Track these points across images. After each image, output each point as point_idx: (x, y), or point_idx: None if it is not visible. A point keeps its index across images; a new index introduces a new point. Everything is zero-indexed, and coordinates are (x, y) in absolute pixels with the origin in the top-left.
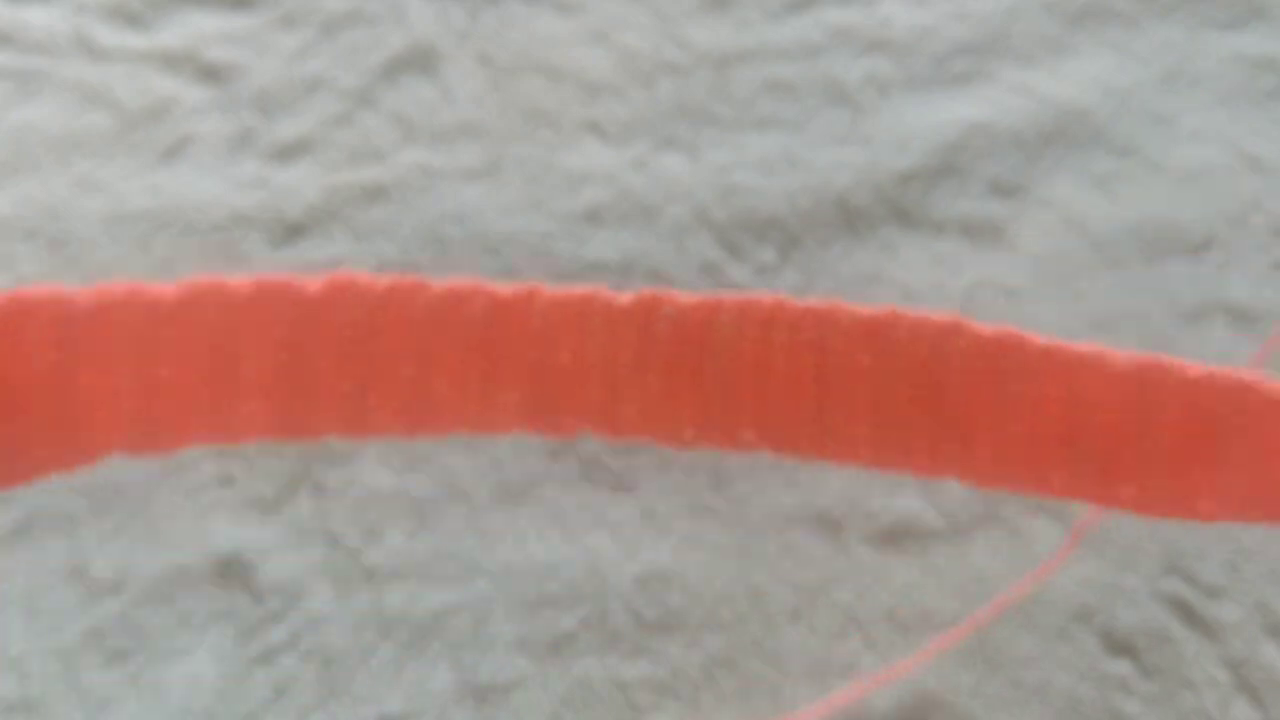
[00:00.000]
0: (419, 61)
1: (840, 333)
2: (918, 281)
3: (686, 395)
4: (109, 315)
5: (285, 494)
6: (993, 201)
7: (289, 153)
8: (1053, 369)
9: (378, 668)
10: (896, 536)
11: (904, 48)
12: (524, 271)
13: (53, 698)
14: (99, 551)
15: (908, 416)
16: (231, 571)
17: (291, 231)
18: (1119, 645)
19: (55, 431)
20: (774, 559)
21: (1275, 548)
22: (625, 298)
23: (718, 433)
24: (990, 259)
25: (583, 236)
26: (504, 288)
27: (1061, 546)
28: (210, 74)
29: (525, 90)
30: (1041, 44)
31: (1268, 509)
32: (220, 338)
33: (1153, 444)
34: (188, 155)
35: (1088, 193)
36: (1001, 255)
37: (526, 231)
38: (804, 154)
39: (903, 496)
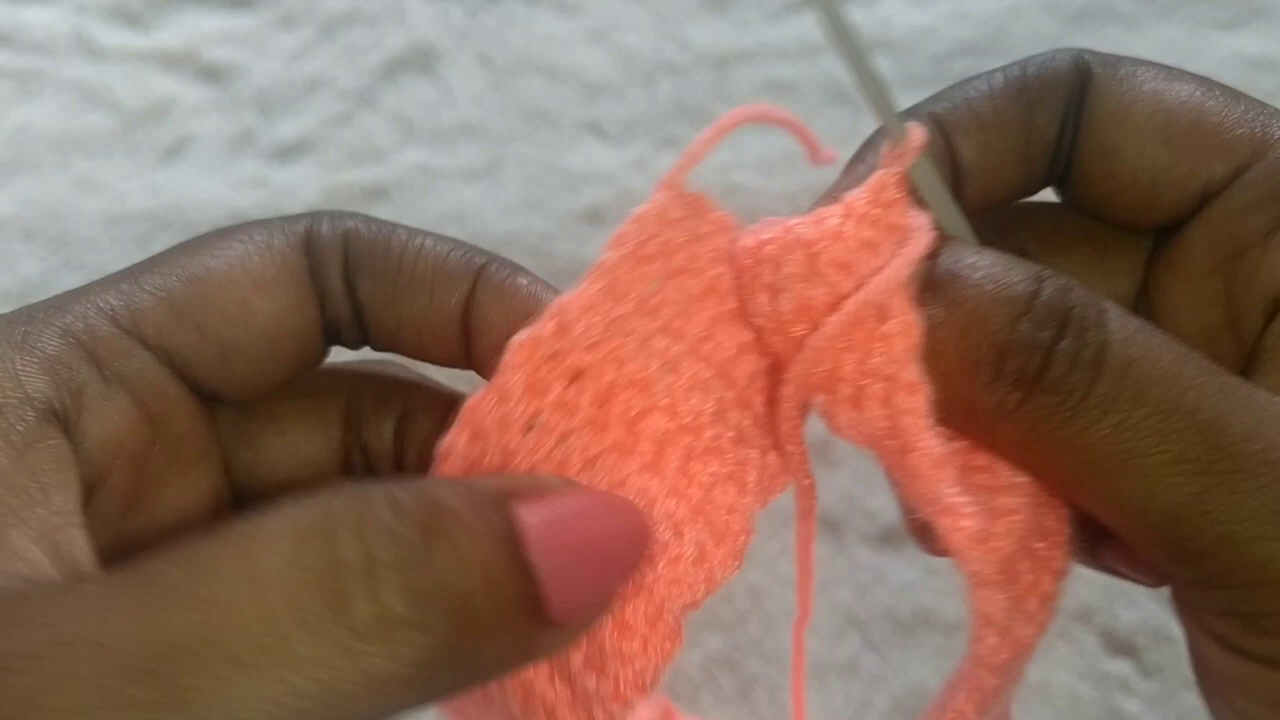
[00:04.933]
0: (419, 61)
1: None
2: None
3: None
4: None
5: None
6: None
7: (289, 153)
8: None
9: None
10: (896, 536)
11: (904, 48)
12: None
13: None
14: None
15: None
16: None
17: None
18: (1119, 645)
19: None
20: (774, 559)
21: None
22: None
23: None
24: None
25: (583, 236)
26: None
27: None
28: (210, 74)
29: (525, 90)
30: (1041, 44)
31: None
32: None
33: None
34: (188, 155)
35: None
36: None
37: (526, 231)
38: (804, 154)
39: None
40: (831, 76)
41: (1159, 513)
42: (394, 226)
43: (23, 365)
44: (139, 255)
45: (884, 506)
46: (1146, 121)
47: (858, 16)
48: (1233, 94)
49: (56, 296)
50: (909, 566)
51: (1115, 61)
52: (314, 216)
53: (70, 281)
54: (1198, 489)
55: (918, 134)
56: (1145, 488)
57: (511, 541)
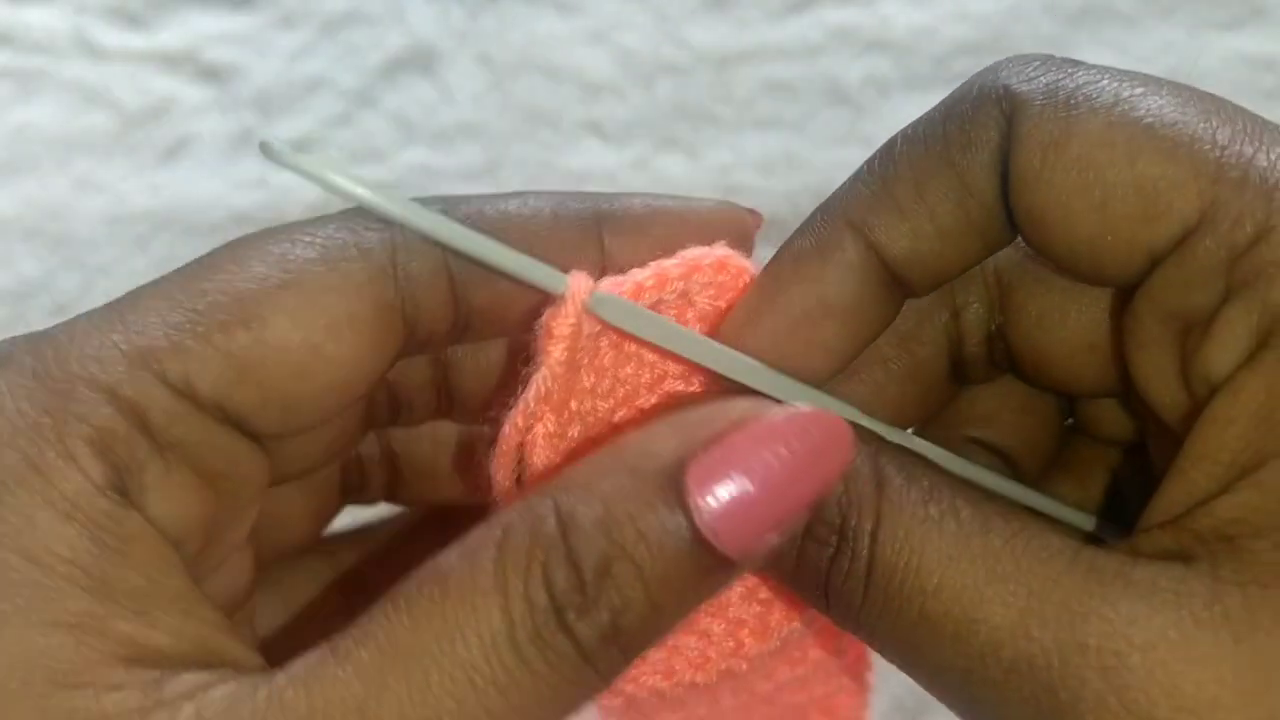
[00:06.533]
0: (419, 61)
1: None
2: None
3: None
4: None
5: None
6: None
7: None
8: None
9: None
10: None
11: (904, 48)
12: None
13: None
14: None
15: None
16: None
17: None
18: None
19: None
20: None
21: None
22: None
23: None
24: None
25: None
26: None
27: None
28: (210, 74)
29: (525, 90)
30: (1041, 44)
31: None
32: None
33: None
34: (188, 155)
35: None
36: None
37: None
38: (804, 154)
39: None
40: (831, 77)
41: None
42: (478, 202)
43: (75, 444)
44: (139, 255)
45: None
46: (1072, 185)
47: (858, 17)
48: (1181, 132)
49: (79, 326)
50: None
51: (1046, 91)
52: (392, 230)
53: (70, 281)
54: (968, 697)
55: (578, 283)
56: (924, 682)
57: (695, 549)
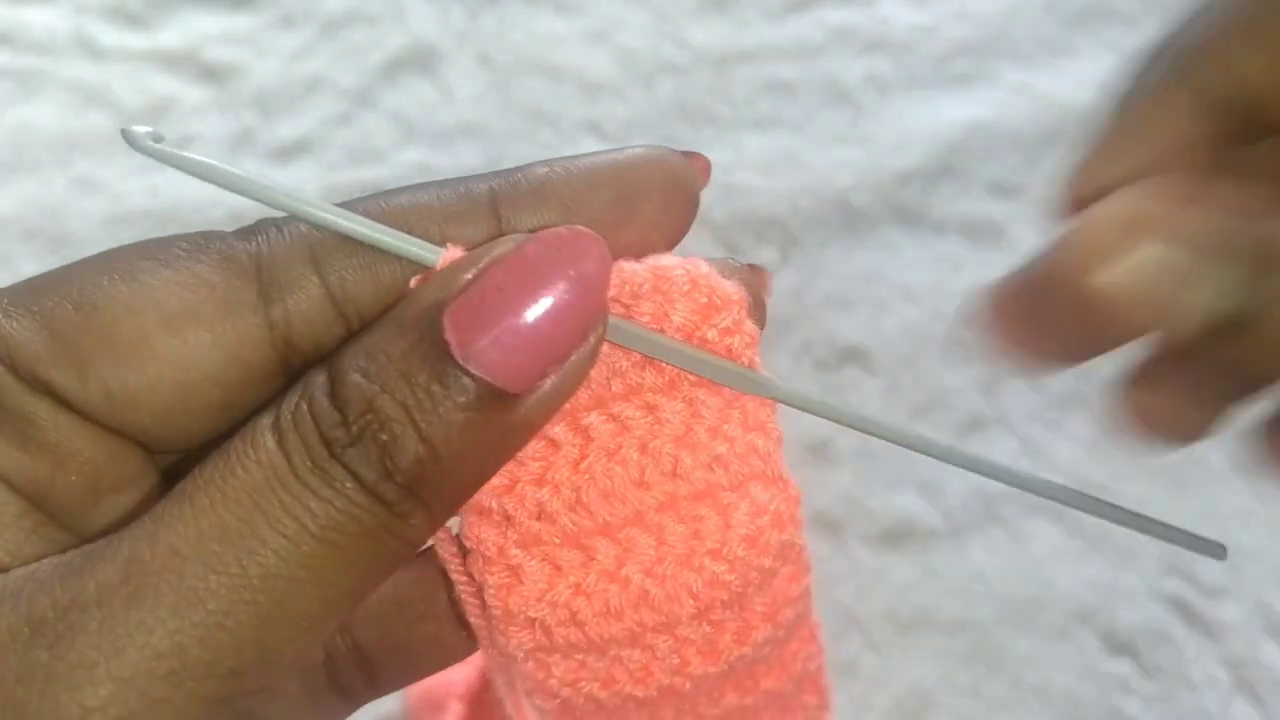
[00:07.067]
0: (419, 61)
1: None
2: (918, 281)
3: None
4: None
5: None
6: (992, 202)
7: (289, 153)
8: None
9: None
10: (896, 536)
11: (904, 48)
12: None
13: None
14: None
15: None
16: None
17: None
18: (1119, 645)
19: None
20: None
21: (1275, 548)
22: None
23: None
24: (990, 259)
25: None
26: None
27: None
28: (210, 74)
29: (525, 90)
30: (1041, 44)
31: None
32: None
33: None
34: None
35: None
36: (1001, 255)
37: None
38: (804, 154)
39: (902, 496)
40: (831, 76)
41: None
42: (363, 199)
43: None
44: None
45: (884, 507)
46: None
47: (858, 17)
48: None
49: None
50: (909, 566)
51: None
52: (262, 222)
53: None
54: None
55: (451, 254)
56: None
57: (464, 385)
